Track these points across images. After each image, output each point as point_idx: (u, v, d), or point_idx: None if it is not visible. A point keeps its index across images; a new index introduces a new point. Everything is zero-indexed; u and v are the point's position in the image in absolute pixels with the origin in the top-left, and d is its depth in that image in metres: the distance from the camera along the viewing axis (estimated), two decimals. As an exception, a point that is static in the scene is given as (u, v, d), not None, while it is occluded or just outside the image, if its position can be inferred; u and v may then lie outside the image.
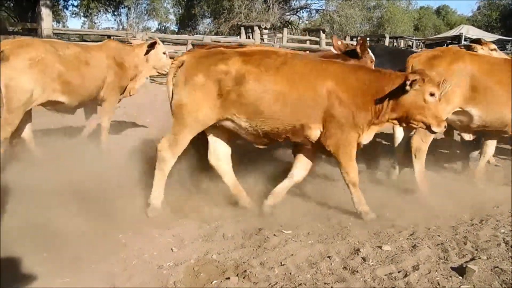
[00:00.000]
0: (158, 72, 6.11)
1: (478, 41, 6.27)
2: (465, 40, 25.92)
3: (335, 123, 3.82)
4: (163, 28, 40.44)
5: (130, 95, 6.10)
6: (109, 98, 5.63)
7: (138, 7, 36.15)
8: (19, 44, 4.83)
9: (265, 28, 20.37)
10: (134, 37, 13.73)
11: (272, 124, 3.89)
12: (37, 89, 4.78)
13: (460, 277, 2.99)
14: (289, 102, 3.81)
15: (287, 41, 21.16)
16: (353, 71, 4.00)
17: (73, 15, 35.24)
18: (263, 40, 19.12)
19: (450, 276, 3.00)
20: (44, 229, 3.50)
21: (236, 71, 3.81)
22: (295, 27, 32.23)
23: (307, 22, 35.57)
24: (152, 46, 5.87)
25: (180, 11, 36.86)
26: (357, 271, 3.06)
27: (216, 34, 27.62)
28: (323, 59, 4.30)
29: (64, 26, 33.18)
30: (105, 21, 77.11)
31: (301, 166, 4.22)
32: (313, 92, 3.82)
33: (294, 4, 33.07)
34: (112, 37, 16.22)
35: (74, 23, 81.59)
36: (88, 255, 3.19)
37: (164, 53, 5.97)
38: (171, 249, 3.36)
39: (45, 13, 12.34)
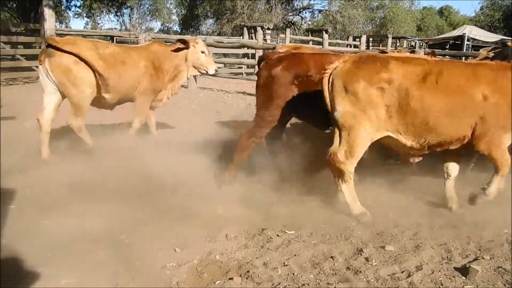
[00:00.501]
0: (198, 71, 6.20)
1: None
2: (468, 41, 25.85)
3: (491, 126, 3.76)
4: (166, 28, 40.46)
5: (172, 95, 6.23)
6: (145, 97, 5.81)
7: (141, 7, 36.23)
8: (65, 42, 5.21)
9: (268, 29, 20.32)
10: (137, 37, 13.74)
11: (439, 137, 3.80)
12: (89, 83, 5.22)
13: (463, 277, 2.99)
14: (456, 112, 3.72)
15: (290, 42, 21.14)
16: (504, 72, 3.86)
17: (76, 16, 35.34)
18: (266, 41, 19.11)
19: (453, 276, 3.00)
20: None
21: (399, 80, 3.70)
22: (298, 27, 32.20)
23: (310, 22, 35.52)
24: (185, 44, 5.95)
25: (183, 12, 36.87)
26: (360, 271, 3.06)
27: (219, 34, 27.63)
28: (471, 63, 4.19)
29: (67, 27, 33.25)
30: (108, 22, 77.43)
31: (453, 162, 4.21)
32: (472, 98, 3.72)
33: (297, 5, 33.04)
34: (115, 38, 16.31)
35: (77, 24, 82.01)
36: (92, 255, 3.21)
37: (202, 52, 6.03)
38: (174, 249, 3.37)
39: (48, 13, 12.33)
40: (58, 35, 13.69)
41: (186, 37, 6.22)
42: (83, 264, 3.10)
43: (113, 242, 3.42)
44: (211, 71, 6.10)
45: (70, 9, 33.81)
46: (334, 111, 3.86)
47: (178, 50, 5.95)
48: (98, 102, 5.55)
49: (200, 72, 6.20)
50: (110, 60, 5.39)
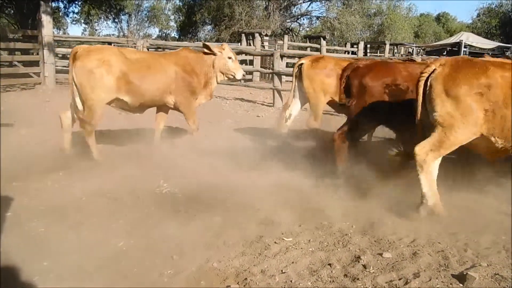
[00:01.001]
0: (226, 77, 6.29)
1: None
2: (465, 47, 25.97)
3: None
4: (164, 35, 40.60)
5: (204, 102, 6.36)
6: (183, 102, 5.98)
7: (139, 14, 36.42)
8: (92, 48, 5.63)
9: (266, 35, 20.41)
10: (135, 44, 13.77)
11: None
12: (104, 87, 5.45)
13: (461, 284, 2.99)
14: None
15: (288, 48, 21.24)
16: None
17: (74, 22, 35.48)
18: (264, 47, 19.17)
19: (451, 284, 3.00)
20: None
21: (497, 85, 3.83)
22: (296, 34, 32.35)
23: (307, 29, 35.70)
24: (209, 50, 6.05)
25: (181, 18, 37.00)
26: (358, 279, 3.06)
27: (217, 41, 27.70)
28: None
29: (64, 33, 33.36)
30: (106, 28, 77.42)
31: None
32: None
33: (295, 11, 33.21)
34: (112, 44, 16.33)
35: (75, 30, 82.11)
36: (89, 262, 3.20)
37: (229, 57, 6.12)
38: (172, 257, 3.36)
39: (46, 20, 12.36)
40: (55, 41, 13.73)
41: (212, 44, 6.32)
42: (79, 273, 3.08)
43: (110, 250, 3.41)
44: (239, 76, 6.20)
45: (68, 16, 33.95)
46: (433, 112, 4.02)
47: (206, 53, 6.08)
48: (123, 105, 5.80)
49: (227, 77, 6.30)
50: (135, 65, 5.60)
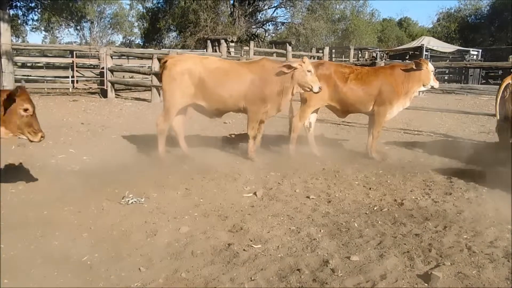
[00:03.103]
0: (303, 90, 6.36)
1: None
2: (426, 51, 26.77)
3: None
4: (128, 42, 40.02)
5: (279, 111, 6.59)
6: (251, 108, 6.30)
7: (102, 21, 35.78)
8: (177, 58, 6.42)
9: (232, 41, 20.49)
10: (98, 51, 13.53)
11: None
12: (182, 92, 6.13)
13: (426, 284, 3.06)
14: None
15: (254, 54, 21.34)
16: None
17: (34, 30, 34.49)
18: (230, 53, 19.20)
19: (416, 284, 3.07)
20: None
21: None
22: (262, 39, 32.57)
23: (273, 34, 35.99)
24: (290, 67, 6.18)
25: (145, 25, 36.58)
26: (327, 283, 3.08)
27: (183, 47, 27.55)
28: None
29: (24, 41, 32.39)
30: (68, 35, 75.79)
31: None
32: None
33: (260, 17, 33.48)
34: (74, 52, 16.00)
35: (35, 38, 79.89)
36: (53, 279, 3.10)
37: (309, 70, 6.18)
38: (139, 268, 3.29)
39: (3, 27, 11.94)
40: (14, 49, 13.31)
41: (292, 60, 6.55)
42: (42, 289, 2.98)
43: (74, 265, 3.31)
44: (315, 89, 6.24)
45: (27, 23, 32.97)
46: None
47: (285, 71, 6.19)
48: (201, 110, 6.42)
49: (304, 90, 6.37)
50: (213, 74, 6.11)
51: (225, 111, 6.54)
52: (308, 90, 6.29)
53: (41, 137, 4.38)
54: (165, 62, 6.25)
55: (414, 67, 6.72)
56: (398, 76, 6.78)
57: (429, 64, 6.85)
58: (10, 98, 4.17)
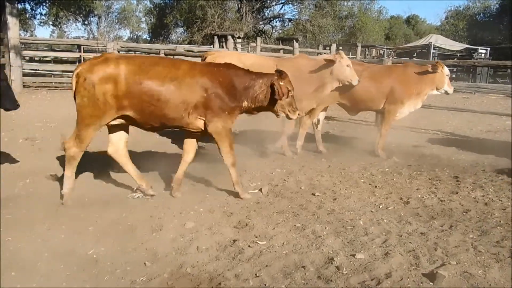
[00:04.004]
0: (342, 84, 6.38)
1: None
2: (434, 49, 26.61)
3: None
4: (135, 37, 40.07)
5: (315, 104, 6.56)
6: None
7: (109, 16, 35.79)
8: (216, 54, 6.44)
9: (239, 37, 20.42)
10: (105, 46, 13.55)
11: None
12: None
13: (431, 283, 3.05)
14: None
15: (261, 50, 21.29)
16: None
17: (42, 24, 34.58)
18: (237, 49, 19.16)
19: (421, 282, 3.06)
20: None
21: None
22: (269, 36, 32.46)
23: (280, 31, 35.87)
24: (330, 62, 6.18)
25: (152, 20, 36.58)
26: (331, 280, 3.08)
27: (190, 43, 27.53)
28: None
29: (32, 35, 32.52)
30: (75, 30, 75.98)
31: None
32: None
33: (268, 14, 33.36)
34: (82, 47, 16.04)
35: (43, 32, 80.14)
36: (59, 272, 3.12)
37: (348, 65, 6.21)
38: (144, 263, 3.31)
39: (12, 22, 12.02)
40: (22, 44, 13.37)
41: (326, 56, 6.61)
42: (48, 282, 3.01)
43: (80, 258, 3.34)
44: (355, 83, 6.28)
45: (35, 17, 33.08)
46: None
47: (324, 66, 6.21)
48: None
49: (343, 84, 6.38)
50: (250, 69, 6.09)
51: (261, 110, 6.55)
52: (347, 83, 6.31)
53: (298, 114, 4.88)
54: (205, 58, 6.35)
55: (430, 69, 6.68)
56: (411, 76, 6.73)
57: (445, 68, 6.79)
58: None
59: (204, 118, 4.48)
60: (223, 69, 4.61)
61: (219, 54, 6.50)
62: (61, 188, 4.50)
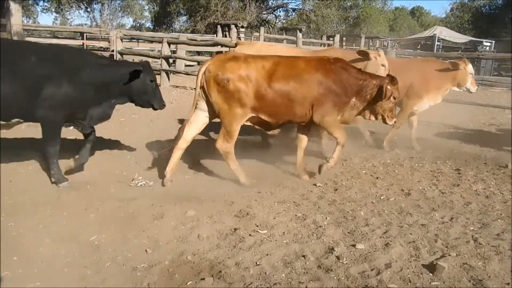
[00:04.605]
0: None
1: None
2: (438, 41, 26.45)
3: None
4: (138, 25, 39.89)
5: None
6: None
7: (112, 3, 35.56)
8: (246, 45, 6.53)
9: (242, 27, 20.35)
10: (108, 34, 13.50)
11: None
12: None
13: (431, 274, 3.06)
14: None
15: (264, 40, 21.21)
16: None
17: (44, 11, 34.45)
18: (240, 39, 19.08)
19: (421, 273, 3.07)
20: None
21: None
22: (272, 26, 32.29)
23: (284, 21, 35.67)
24: (366, 56, 6.21)
25: (155, 8, 36.39)
26: (331, 270, 3.09)
27: (192, 32, 27.44)
28: None
29: (34, 22, 32.42)
30: (78, 17, 75.65)
31: None
32: None
33: (271, 3, 33.14)
34: (85, 34, 15.99)
35: (45, 19, 79.87)
36: (60, 258, 3.14)
37: (383, 65, 6.18)
38: (146, 250, 3.32)
39: (15, 8, 11.98)
40: (25, 30, 13.33)
41: (369, 50, 6.64)
42: (50, 267, 3.03)
43: (82, 245, 3.35)
44: None
45: (38, 4, 32.97)
46: None
47: (358, 61, 6.14)
48: None
49: None
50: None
51: None
52: None
53: (394, 122, 5.10)
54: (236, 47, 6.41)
55: (450, 67, 6.58)
56: (432, 72, 6.62)
57: (469, 66, 6.67)
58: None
59: (317, 111, 4.71)
60: (336, 66, 4.80)
61: (248, 44, 6.52)
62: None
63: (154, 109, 4.93)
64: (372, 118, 4.99)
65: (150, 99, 4.78)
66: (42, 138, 4.44)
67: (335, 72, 4.73)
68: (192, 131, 4.83)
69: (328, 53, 6.33)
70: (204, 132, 6.97)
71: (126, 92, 4.65)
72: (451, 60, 6.78)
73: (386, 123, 5.01)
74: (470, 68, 6.67)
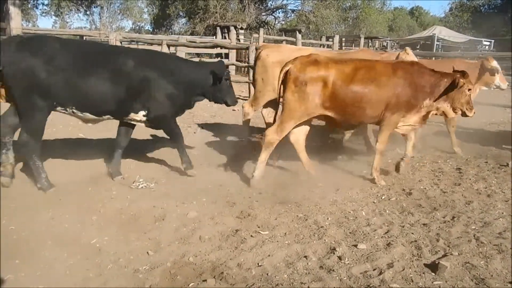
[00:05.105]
0: None
1: None
2: (437, 41, 26.44)
3: None
4: (138, 27, 39.91)
5: None
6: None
7: (111, 6, 35.55)
8: (271, 47, 6.54)
9: (241, 28, 20.34)
10: (107, 37, 13.50)
11: None
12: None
13: (433, 273, 3.06)
14: None
15: (264, 41, 21.20)
16: None
17: (44, 14, 34.49)
18: (239, 41, 19.10)
19: (423, 273, 3.07)
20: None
21: None
22: (271, 27, 32.29)
23: (283, 22, 35.67)
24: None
25: (155, 11, 36.41)
26: (333, 270, 3.09)
27: (192, 34, 27.43)
28: None
29: (34, 26, 32.41)
30: (77, 20, 75.59)
31: None
32: None
33: (270, 4, 33.16)
34: (84, 37, 15.99)
35: (45, 22, 79.95)
36: (62, 260, 3.14)
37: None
38: (147, 252, 3.32)
39: (14, 12, 11.97)
40: (24, 34, 13.32)
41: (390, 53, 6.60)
42: (52, 270, 3.03)
43: (84, 247, 3.35)
44: None
45: (37, 7, 33.01)
46: None
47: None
48: None
49: None
50: None
51: None
52: None
53: (474, 112, 5.05)
54: (260, 51, 6.41)
55: (478, 66, 6.58)
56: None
57: (494, 62, 6.64)
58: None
59: (385, 112, 4.89)
60: (411, 68, 4.95)
61: (275, 48, 6.50)
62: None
63: (227, 105, 5.24)
64: (452, 113, 5.06)
65: (224, 95, 5.10)
66: (168, 135, 5.04)
67: (412, 75, 4.88)
68: (302, 128, 5.14)
69: (360, 54, 6.41)
70: (206, 132, 6.99)
71: (205, 90, 5.04)
72: (478, 58, 6.72)
73: (467, 116, 5.04)
74: (495, 64, 6.63)
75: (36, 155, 4.36)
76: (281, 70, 4.89)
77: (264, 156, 4.92)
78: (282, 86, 4.88)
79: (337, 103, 4.78)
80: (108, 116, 4.67)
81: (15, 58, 4.09)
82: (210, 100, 5.22)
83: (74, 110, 4.46)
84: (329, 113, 4.87)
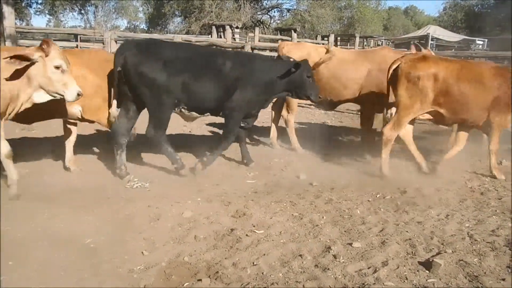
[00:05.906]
0: None
1: None
2: (432, 40, 26.53)
3: None
4: (133, 26, 39.83)
5: None
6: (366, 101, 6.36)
7: (106, 5, 35.50)
8: (292, 45, 6.82)
9: (237, 27, 20.35)
10: (102, 36, 13.45)
11: None
12: None
13: (427, 271, 3.07)
14: None
15: (259, 40, 21.21)
16: None
17: (38, 13, 34.32)
18: (235, 40, 19.09)
19: (418, 271, 3.09)
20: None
21: None
22: (267, 26, 32.31)
23: (278, 21, 35.70)
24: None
25: (150, 10, 36.34)
26: (328, 269, 3.10)
27: (187, 33, 27.42)
28: None
29: (28, 24, 32.25)
30: (72, 19, 75.16)
31: None
32: None
33: (266, 4, 33.21)
34: (79, 36, 15.91)
35: (39, 21, 79.51)
36: (57, 261, 3.13)
37: None
38: (142, 252, 3.32)
39: (7, 11, 11.91)
40: (18, 33, 13.26)
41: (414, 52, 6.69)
42: (47, 270, 3.01)
43: (78, 247, 3.34)
44: None
45: (31, 6, 32.84)
46: None
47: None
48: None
49: None
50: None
51: (342, 102, 6.66)
52: None
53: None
54: (282, 48, 6.54)
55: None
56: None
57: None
58: None
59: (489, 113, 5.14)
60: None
61: (296, 45, 6.64)
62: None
63: (312, 101, 5.49)
64: None
65: (308, 92, 5.25)
66: (225, 131, 5.34)
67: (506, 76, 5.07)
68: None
69: (382, 52, 6.48)
70: (204, 132, 6.99)
71: (287, 87, 5.23)
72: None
73: None
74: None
75: (166, 143, 4.91)
76: (389, 68, 5.17)
77: (385, 153, 5.26)
78: (390, 84, 5.20)
79: (448, 99, 5.03)
80: (208, 113, 5.14)
81: (139, 60, 4.59)
82: (292, 96, 5.44)
83: (183, 109, 4.94)
84: (441, 110, 5.14)
